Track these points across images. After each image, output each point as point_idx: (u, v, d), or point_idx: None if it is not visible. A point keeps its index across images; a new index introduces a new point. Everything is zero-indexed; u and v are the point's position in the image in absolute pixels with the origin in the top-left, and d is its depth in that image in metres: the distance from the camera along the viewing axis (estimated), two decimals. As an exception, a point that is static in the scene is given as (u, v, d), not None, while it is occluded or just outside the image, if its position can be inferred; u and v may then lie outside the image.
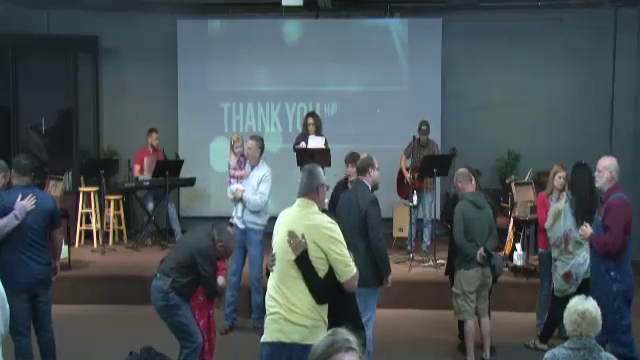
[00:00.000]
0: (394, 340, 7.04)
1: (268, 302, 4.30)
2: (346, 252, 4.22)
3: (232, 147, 7.96)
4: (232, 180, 7.55)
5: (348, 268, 4.19)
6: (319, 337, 4.00)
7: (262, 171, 7.32)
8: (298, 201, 4.37)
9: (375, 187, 6.01)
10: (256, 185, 7.28)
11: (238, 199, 7.30)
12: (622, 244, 5.67)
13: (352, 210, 5.86)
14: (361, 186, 5.96)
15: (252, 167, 7.43)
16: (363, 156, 6.13)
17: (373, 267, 5.79)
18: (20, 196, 5.55)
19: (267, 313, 4.30)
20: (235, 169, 7.61)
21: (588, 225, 5.92)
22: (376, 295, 5.92)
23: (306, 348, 3.95)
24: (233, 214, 7.52)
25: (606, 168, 5.84)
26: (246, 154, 7.57)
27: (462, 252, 6.40)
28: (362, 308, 5.80)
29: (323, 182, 4.40)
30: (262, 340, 4.31)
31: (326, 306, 4.21)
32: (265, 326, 4.32)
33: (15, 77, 10.95)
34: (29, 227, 5.56)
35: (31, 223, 5.57)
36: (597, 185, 5.99)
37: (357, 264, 5.65)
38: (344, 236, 5.90)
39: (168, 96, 11.39)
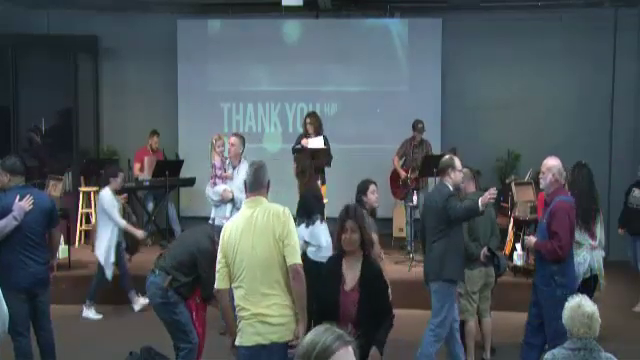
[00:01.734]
0: (394, 340, 7.02)
1: (238, 310, 4.27)
2: (297, 239, 4.32)
3: (214, 147, 7.92)
4: (217, 181, 7.51)
5: (297, 254, 4.23)
6: (293, 330, 4.12)
7: (246, 169, 7.31)
8: (247, 202, 4.39)
9: (457, 188, 6.02)
10: (241, 184, 7.26)
11: (228, 200, 7.27)
12: (570, 249, 5.59)
13: (431, 210, 5.94)
14: (441, 186, 6.00)
15: (233, 167, 7.41)
16: (445, 157, 6.14)
17: (445, 263, 5.82)
18: (18, 197, 5.53)
19: (239, 317, 4.26)
20: (220, 169, 7.59)
21: (531, 235, 5.84)
22: (451, 293, 5.90)
23: (285, 345, 4.11)
24: (212, 215, 7.52)
25: (549, 170, 5.63)
26: (228, 152, 7.55)
27: (466, 252, 6.39)
28: (437, 306, 5.86)
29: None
30: (238, 343, 4.27)
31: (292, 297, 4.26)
32: (239, 329, 4.26)
33: (15, 77, 10.95)
34: (28, 227, 5.55)
35: (30, 223, 5.55)
36: (541, 187, 5.85)
37: (431, 260, 5.82)
38: (425, 235, 6.01)
39: (168, 96, 11.39)
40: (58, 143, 11.36)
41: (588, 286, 6.56)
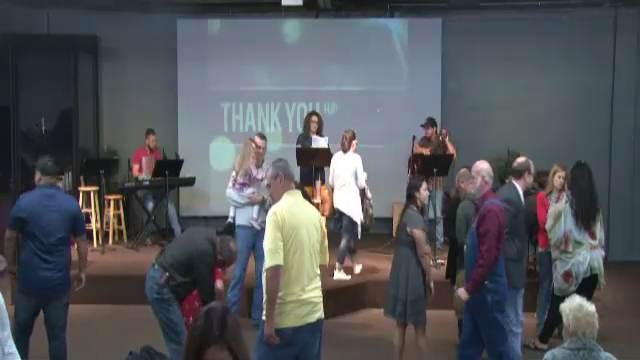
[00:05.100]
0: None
1: (283, 294, 4.43)
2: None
3: (251, 151, 7.62)
4: (246, 185, 7.43)
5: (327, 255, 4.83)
6: None
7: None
8: (292, 192, 4.64)
9: (527, 192, 6.05)
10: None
11: (259, 202, 7.26)
12: (498, 252, 5.43)
13: None
14: (509, 188, 6.04)
15: (257, 167, 7.41)
16: (522, 160, 6.16)
17: (512, 270, 5.79)
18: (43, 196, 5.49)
19: (286, 301, 4.43)
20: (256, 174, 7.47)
21: (460, 290, 5.55)
22: (513, 297, 5.88)
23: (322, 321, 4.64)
24: (232, 214, 7.53)
25: (478, 173, 5.57)
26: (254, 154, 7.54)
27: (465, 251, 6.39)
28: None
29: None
30: (284, 325, 4.41)
31: None
32: (282, 312, 4.42)
33: (15, 77, 10.94)
34: (44, 229, 5.42)
35: (48, 224, 5.43)
36: (471, 191, 5.77)
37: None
38: None
39: (168, 96, 11.40)
40: (58, 143, 11.35)
41: (588, 286, 6.57)
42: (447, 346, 7.01)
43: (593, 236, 6.61)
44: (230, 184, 7.52)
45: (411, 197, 6.05)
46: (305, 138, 9.42)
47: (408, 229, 5.89)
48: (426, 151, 9.70)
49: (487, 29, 10.97)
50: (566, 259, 6.62)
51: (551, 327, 6.91)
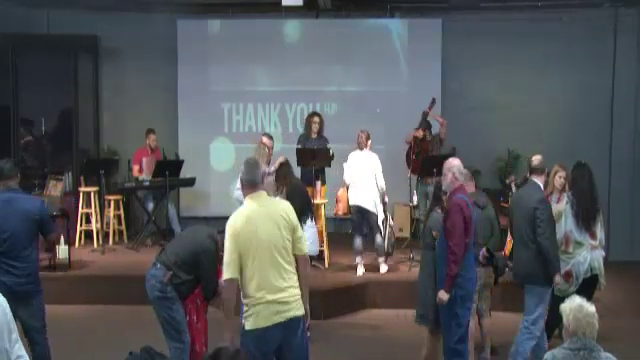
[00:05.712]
0: (394, 340, 7.05)
1: (251, 299, 4.44)
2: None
3: (264, 155, 7.58)
4: None
5: (306, 244, 4.71)
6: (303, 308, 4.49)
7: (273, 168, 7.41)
8: (252, 196, 4.60)
9: (545, 187, 6.15)
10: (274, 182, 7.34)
11: None
12: (466, 246, 5.45)
13: (522, 208, 6.00)
14: (533, 187, 6.08)
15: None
16: (539, 157, 6.22)
17: (540, 265, 5.87)
18: None
19: (253, 304, 4.43)
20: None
21: (441, 292, 5.50)
22: (545, 294, 5.98)
23: (301, 318, 4.57)
24: None
25: (449, 170, 5.62)
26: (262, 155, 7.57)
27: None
28: (531, 305, 5.94)
29: (265, 171, 4.85)
30: (251, 327, 4.42)
31: None
32: (251, 314, 4.44)
33: (15, 77, 10.94)
34: (6, 234, 5.30)
35: (8, 229, 5.29)
36: (443, 188, 5.83)
37: (525, 261, 5.91)
38: (515, 233, 6.15)
39: (168, 96, 11.39)
40: (58, 143, 11.35)
41: (588, 286, 6.57)
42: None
43: (593, 236, 6.61)
44: (238, 185, 7.52)
45: (438, 199, 6.01)
46: (306, 138, 9.44)
47: (434, 233, 5.83)
48: (420, 134, 9.66)
49: (487, 29, 10.97)
50: (566, 259, 6.62)
51: (551, 327, 6.90)
